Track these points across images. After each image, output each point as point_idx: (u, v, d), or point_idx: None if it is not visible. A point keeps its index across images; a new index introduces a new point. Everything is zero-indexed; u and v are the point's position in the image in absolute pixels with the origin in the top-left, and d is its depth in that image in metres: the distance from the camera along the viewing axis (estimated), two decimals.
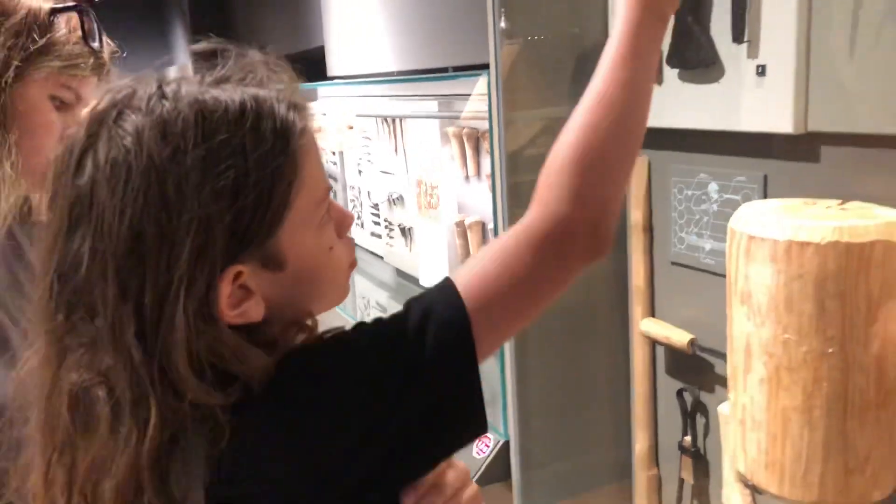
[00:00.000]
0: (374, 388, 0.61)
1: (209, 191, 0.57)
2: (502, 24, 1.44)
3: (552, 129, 1.51)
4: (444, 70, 2.23)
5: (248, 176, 0.58)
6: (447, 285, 0.65)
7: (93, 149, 0.59)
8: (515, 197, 1.54)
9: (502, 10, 1.43)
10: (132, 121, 0.58)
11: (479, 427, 0.66)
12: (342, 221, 0.69)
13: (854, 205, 1.00)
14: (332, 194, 0.70)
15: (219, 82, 0.62)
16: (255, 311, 0.61)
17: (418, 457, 0.64)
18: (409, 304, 0.65)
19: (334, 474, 0.60)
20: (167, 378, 0.58)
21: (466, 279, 0.65)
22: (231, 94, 0.60)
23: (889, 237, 0.90)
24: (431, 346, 0.61)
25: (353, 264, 0.72)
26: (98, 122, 0.60)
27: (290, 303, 0.64)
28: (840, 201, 1.01)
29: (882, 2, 0.97)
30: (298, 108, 0.63)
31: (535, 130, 1.56)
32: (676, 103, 1.27)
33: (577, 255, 0.67)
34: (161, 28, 5.90)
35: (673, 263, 1.37)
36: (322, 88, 2.89)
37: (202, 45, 0.66)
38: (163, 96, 0.59)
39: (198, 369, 0.58)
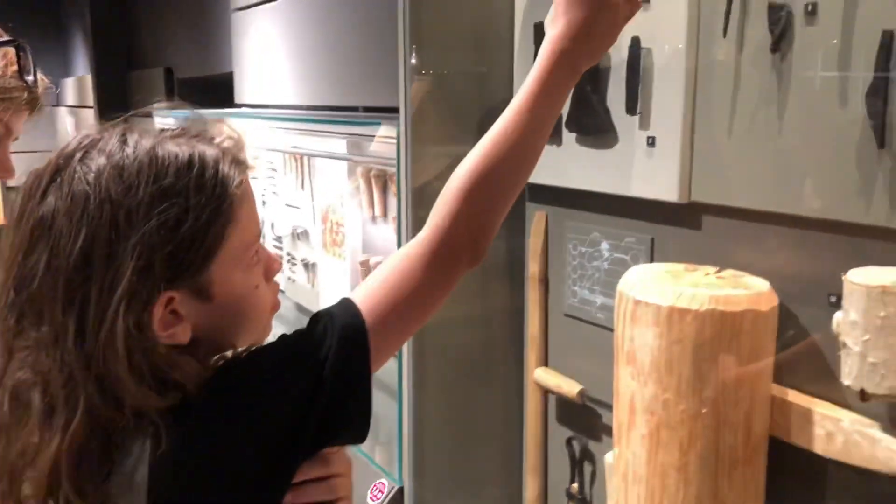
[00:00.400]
0: (287, 390, 0.71)
1: (154, 223, 0.66)
2: (413, 61, 1.47)
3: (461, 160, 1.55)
4: (355, 109, 2.25)
5: (189, 214, 0.68)
6: (346, 301, 0.77)
7: (58, 182, 0.69)
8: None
9: (413, 46, 1.46)
10: (95, 161, 0.69)
11: (361, 431, 0.74)
12: (270, 266, 0.79)
13: (729, 273, 1.08)
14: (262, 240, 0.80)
15: (175, 136, 0.72)
16: (182, 335, 0.71)
17: (309, 449, 0.73)
18: (315, 317, 0.76)
19: (260, 467, 0.70)
20: (103, 383, 0.66)
21: (365, 294, 0.77)
22: (182, 148, 0.71)
23: (757, 307, 0.98)
24: (333, 352, 0.71)
25: (275, 306, 0.82)
26: (66, 159, 0.70)
27: (215, 333, 0.73)
28: (717, 269, 1.09)
29: (756, 91, 1.06)
30: (240, 164, 0.74)
31: (442, 172, 1.59)
32: (574, 165, 1.34)
33: (460, 268, 0.81)
34: (61, 41, 5.65)
35: (566, 315, 1.43)
36: (234, 113, 2.85)
37: (164, 104, 0.76)
38: (124, 143, 0.70)
39: (138, 375, 0.66)
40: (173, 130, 0.74)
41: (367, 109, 2.19)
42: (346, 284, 2.05)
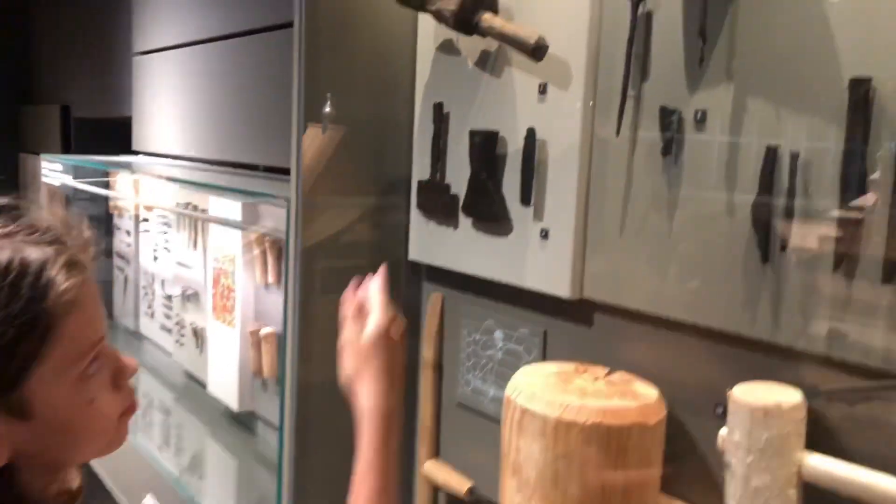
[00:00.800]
0: None
1: None
2: (327, 109, 1.41)
3: (358, 221, 1.48)
4: (255, 167, 2.16)
5: None
6: None
7: None
8: (308, 307, 1.47)
9: (329, 95, 1.40)
10: None
11: None
12: (119, 372, 0.70)
13: (619, 377, 1.05)
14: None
15: (3, 236, 0.65)
16: None
17: None
18: None
19: None
20: None
21: None
22: (4, 252, 0.63)
23: (645, 420, 0.95)
24: None
25: (129, 411, 0.72)
26: None
27: (42, 451, 0.65)
28: (608, 371, 1.06)
29: (648, 192, 1.05)
30: (75, 266, 0.66)
31: (336, 234, 1.52)
32: (469, 250, 1.30)
33: None
34: None
35: (459, 405, 1.37)
36: (127, 162, 2.71)
37: (5, 200, 0.68)
38: None
39: None
40: (7, 227, 0.66)
41: (268, 169, 2.11)
42: (234, 355, 1.93)
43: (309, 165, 1.44)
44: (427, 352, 1.41)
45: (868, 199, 0.84)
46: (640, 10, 1.05)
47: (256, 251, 1.89)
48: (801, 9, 0.89)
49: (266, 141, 2.04)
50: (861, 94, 0.85)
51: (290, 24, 1.41)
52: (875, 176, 0.83)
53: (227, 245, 1.99)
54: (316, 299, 1.45)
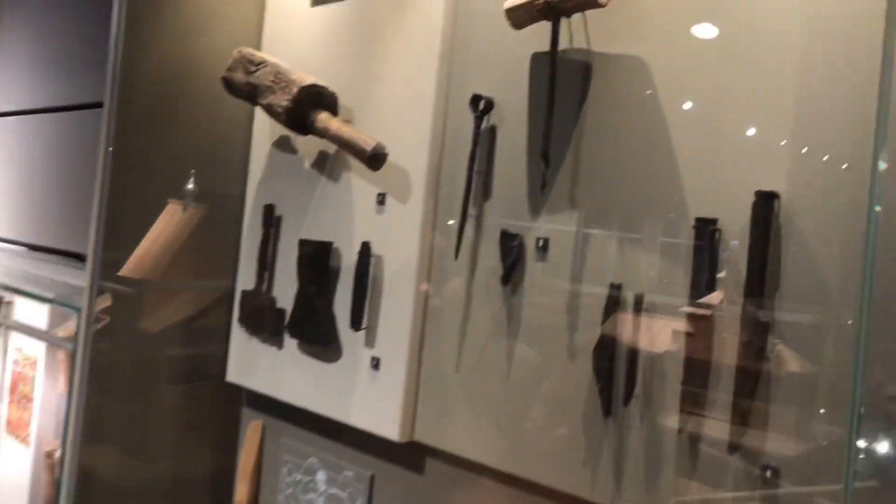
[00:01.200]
0: None
1: None
2: (190, 186, 1.23)
3: (171, 330, 1.28)
4: (79, 256, 1.92)
5: None
6: None
7: None
8: (96, 423, 1.24)
9: (192, 171, 1.22)
10: None
11: None
12: None
13: None
14: None
15: None
16: None
17: None
18: None
19: None
20: None
21: None
22: None
23: None
24: None
25: None
26: None
27: None
28: None
29: (486, 324, 0.93)
30: None
31: (137, 352, 1.31)
32: (294, 375, 1.13)
33: None
34: None
35: None
36: None
37: None
38: None
39: None
40: None
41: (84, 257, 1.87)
42: (25, 480, 1.63)
43: (157, 248, 1.25)
44: (241, 490, 1.20)
45: (714, 298, 0.76)
46: (484, 123, 0.96)
47: (62, 355, 1.62)
48: (646, 142, 0.82)
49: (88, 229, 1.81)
50: (707, 234, 0.78)
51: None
52: (721, 274, 0.76)
53: (30, 346, 1.71)
54: (107, 414, 1.24)
